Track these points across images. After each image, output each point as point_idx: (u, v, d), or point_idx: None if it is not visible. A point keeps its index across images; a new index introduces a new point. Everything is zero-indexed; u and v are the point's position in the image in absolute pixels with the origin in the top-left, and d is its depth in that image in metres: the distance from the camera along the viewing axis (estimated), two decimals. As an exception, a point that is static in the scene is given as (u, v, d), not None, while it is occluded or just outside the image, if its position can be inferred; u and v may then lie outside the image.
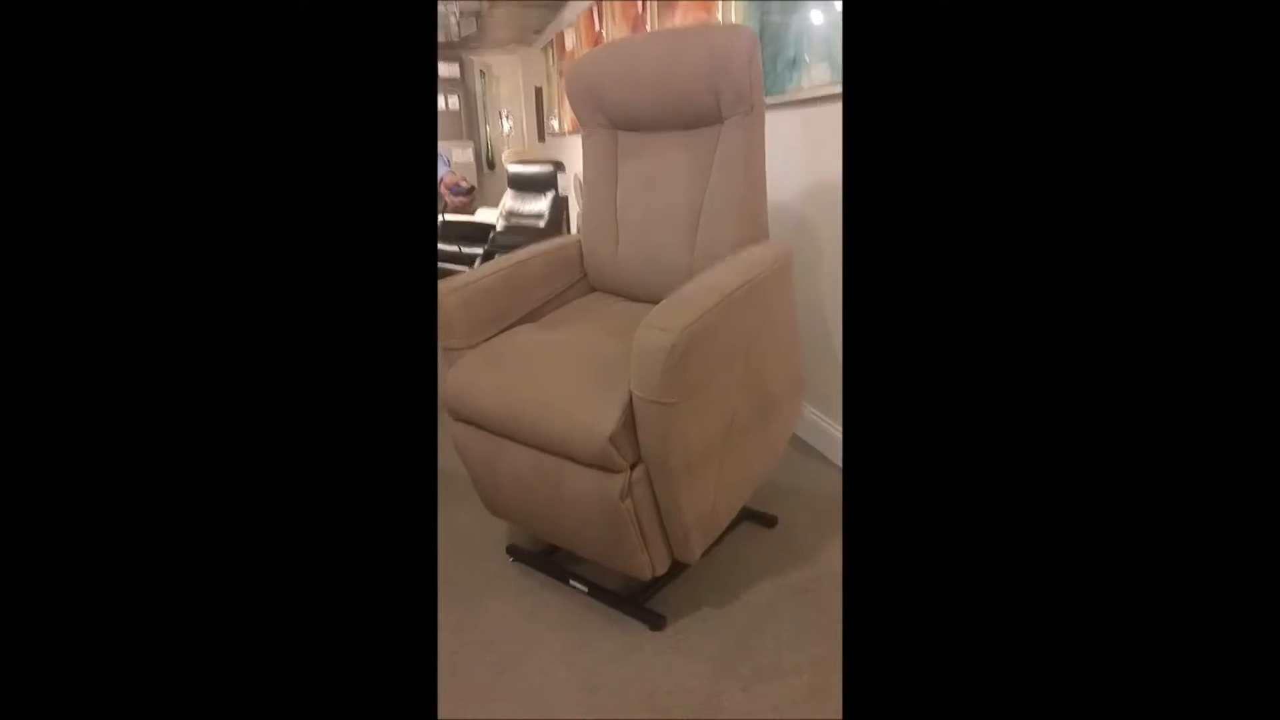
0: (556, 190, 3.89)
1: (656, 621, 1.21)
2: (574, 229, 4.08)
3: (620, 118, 1.46)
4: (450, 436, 1.28)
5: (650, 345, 0.96)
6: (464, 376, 1.22)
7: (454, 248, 3.58)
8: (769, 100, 1.88)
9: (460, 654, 1.16)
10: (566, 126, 4.60)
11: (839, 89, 1.59)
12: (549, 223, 3.87)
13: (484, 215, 4.28)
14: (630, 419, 1.02)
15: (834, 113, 1.65)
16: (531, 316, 1.43)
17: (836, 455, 1.79)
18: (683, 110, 1.34)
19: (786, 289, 1.32)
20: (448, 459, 1.83)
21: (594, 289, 1.58)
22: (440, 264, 3.45)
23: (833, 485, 1.69)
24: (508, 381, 1.16)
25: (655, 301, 1.37)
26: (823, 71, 1.64)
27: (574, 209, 4.10)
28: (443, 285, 1.29)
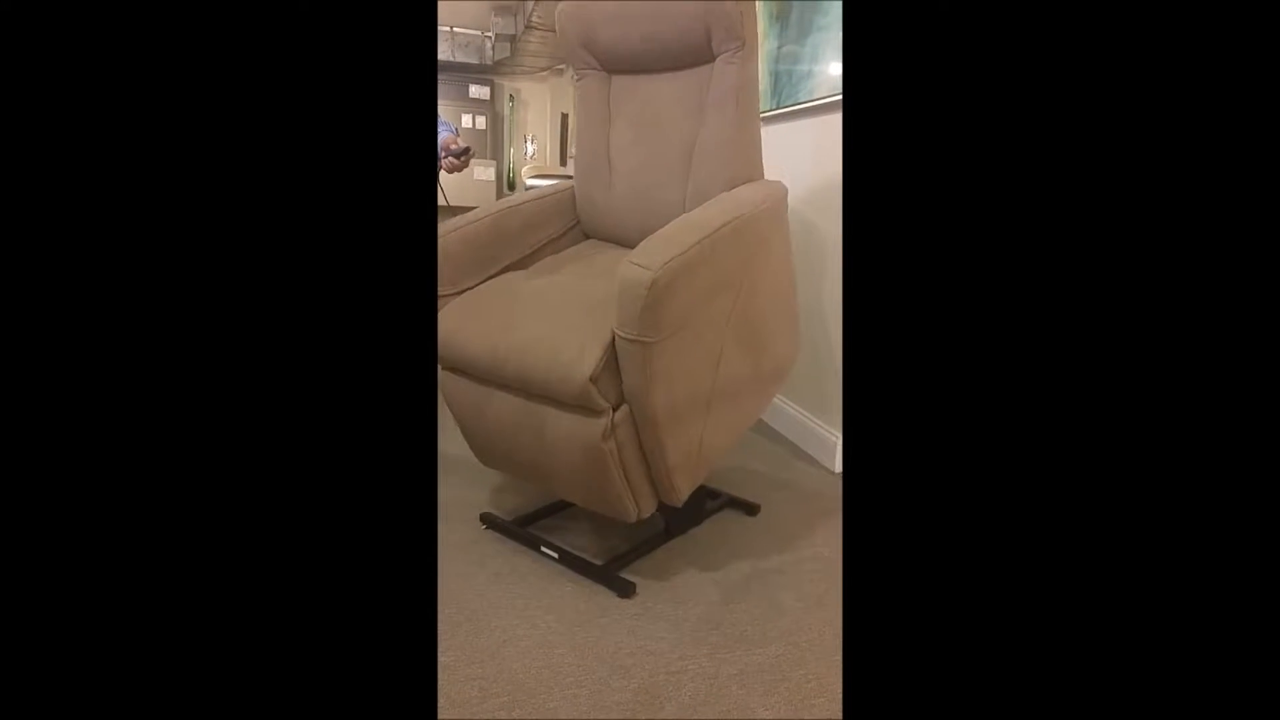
0: (572, 205, 3.97)
1: (626, 589, 1.17)
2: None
3: (612, 59, 1.43)
4: (439, 389, 1.27)
5: (631, 281, 0.95)
6: (450, 322, 1.22)
7: None
8: (780, 110, 1.91)
9: (421, 605, 1.12)
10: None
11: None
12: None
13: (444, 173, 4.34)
14: (613, 359, 1.00)
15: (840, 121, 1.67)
16: (523, 263, 1.41)
17: (828, 459, 1.75)
18: (675, 47, 1.31)
19: (780, 228, 1.28)
20: (452, 444, 1.81)
21: (587, 236, 1.55)
22: None
23: (822, 484, 1.65)
24: (493, 326, 1.15)
25: None
26: (834, 81, 1.67)
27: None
28: None
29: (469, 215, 1.35)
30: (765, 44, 2.04)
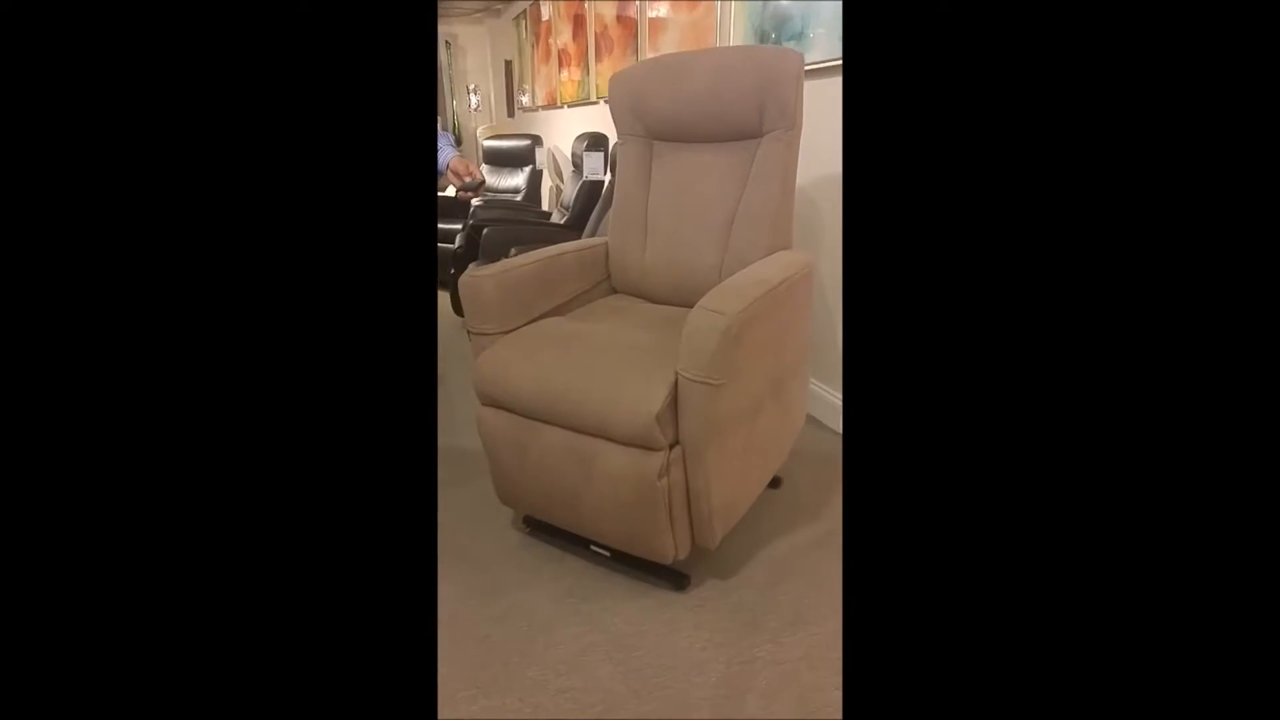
0: (534, 165, 3.85)
1: (680, 581, 1.25)
2: (545, 203, 4.04)
3: (659, 128, 1.51)
4: (476, 421, 1.31)
5: (706, 326, 1.02)
6: (497, 360, 1.25)
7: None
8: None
9: (490, 624, 1.18)
10: (539, 100, 4.52)
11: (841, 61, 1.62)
12: (526, 197, 3.83)
13: (452, 191, 4.21)
14: (673, 400, 1.06)
15: (836, 85, 1.67)
16: (558, 311, 1.47)
17: (832, 420, 1.85)
18: (726, 123, 1.41)
19: (809, 293, 1.40)
20: (468, 438, 1.84)
21: (615, 291, 1.63)
22: None
23: (830, 447, 1.76)
24: (545, 364, 1.19)
25: (680, 303, 1.45)
26: (828, 44, 1.66)
27: (546, 182, 4.06)
28: (479, 271, 1.32)
29: (515, 259, 1.40)
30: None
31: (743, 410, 1.15)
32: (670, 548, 1.16)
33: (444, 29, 5.97)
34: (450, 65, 6.01)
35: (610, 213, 1.59)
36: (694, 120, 1.44)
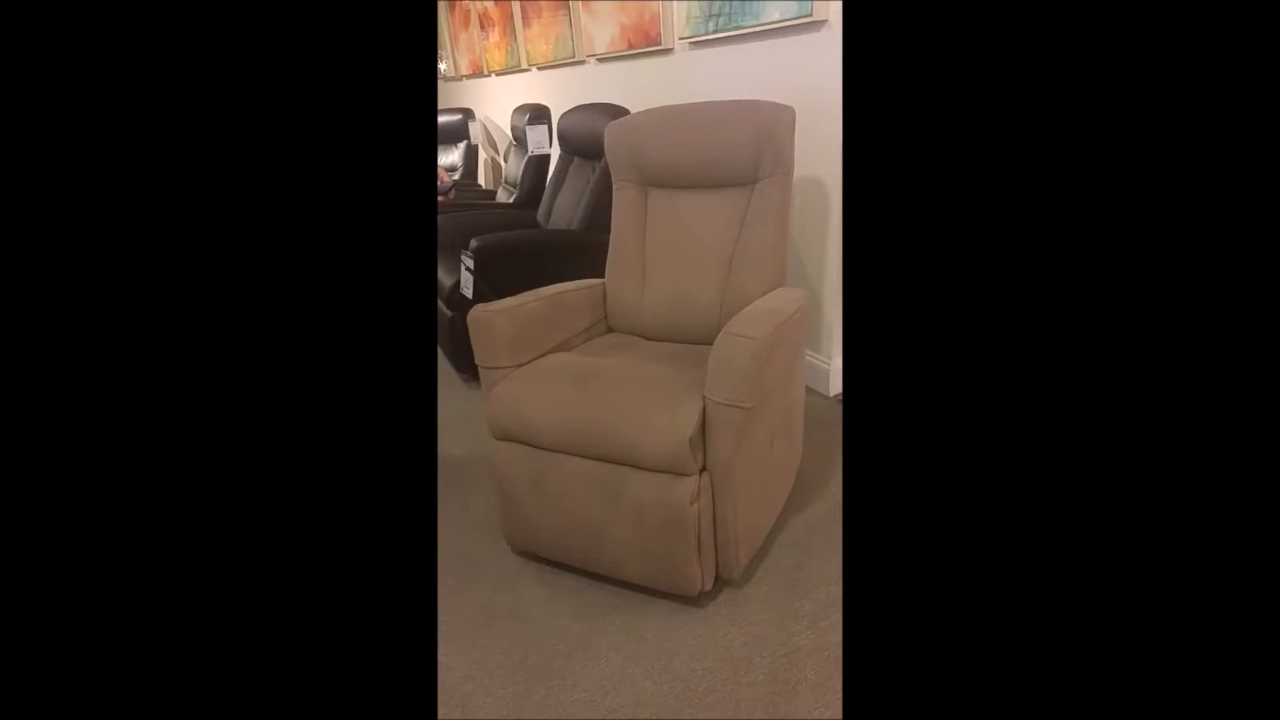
0: (469, 140, 3.66)
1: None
2: (480, 178, 3.87)
3: (655, 176, 1.56)
4: (490, 456, 1.27)
5: (735, 350, 1.03)
6: (513, 393, 1.24)
7: None
8: (727, 32, 1.81)
9: (523, 648, 1.15)
10: (463, 68, 4.27)
11: (805, 18, 1.56)
12: (464, 174, 3.65)
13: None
14: (703, 426, 1.07)
15: (800, 44, 1.62)
16: (561, 347, 1.46)
17: (823, 386, 1.86)
18: (723, 170, 1.46)
19: (805, 324, 1.47)
20: (452, 445, 1.77)
21: (611, 330, 1.64)
22: None
23: (824, 410, 1.77)
24: (565, 396, 1.18)
25: (680, 339, 1.51)
26: (783, 5, 1.59)
27: (480, 154, 3.88)
28: (490, 307, 1.29)
29: (524, 296, 1.39)
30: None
31: (761, 438, 1.17)
32: (697, 577, 1.16)
33: (345, -5, 5.51)
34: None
35: (608, 255, 1.61)
36: (692, 168, 1.49)
